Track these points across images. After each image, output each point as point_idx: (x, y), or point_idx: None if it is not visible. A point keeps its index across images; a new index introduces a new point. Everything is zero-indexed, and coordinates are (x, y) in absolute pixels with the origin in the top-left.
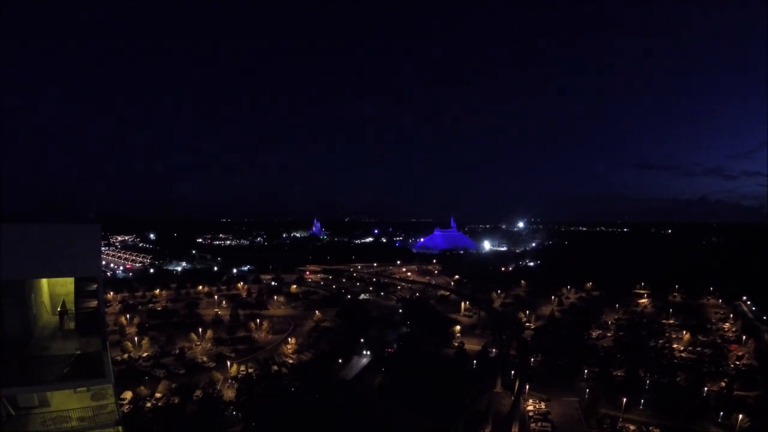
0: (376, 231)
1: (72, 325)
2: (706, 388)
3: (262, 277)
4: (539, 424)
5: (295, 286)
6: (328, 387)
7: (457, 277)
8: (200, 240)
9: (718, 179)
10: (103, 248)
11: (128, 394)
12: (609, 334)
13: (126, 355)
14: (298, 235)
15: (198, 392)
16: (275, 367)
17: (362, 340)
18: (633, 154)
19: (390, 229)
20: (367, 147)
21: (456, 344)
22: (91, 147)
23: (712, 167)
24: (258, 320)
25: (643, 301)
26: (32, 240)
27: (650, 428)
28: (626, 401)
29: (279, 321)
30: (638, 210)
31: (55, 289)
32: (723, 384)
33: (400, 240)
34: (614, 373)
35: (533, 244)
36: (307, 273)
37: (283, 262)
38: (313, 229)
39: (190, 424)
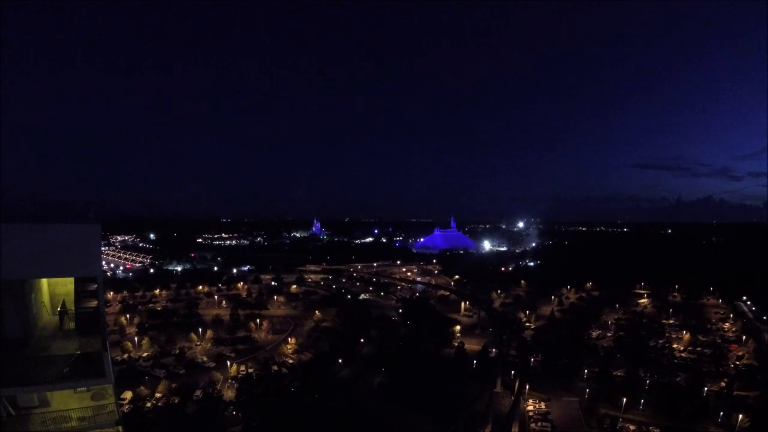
0: (376, 231)
1: (72, 325)
2: (706, 388)
3: (262, 277)
4: (539, 424)
5: (295, 286)
6: (328, 387)
7: (457, 277)
8: (200, 240)
9: (724, 180)
10: (103, 248)
11: (128, 394)
12: (609, 334)
13: (126, 355)
14: (298, 235)
15: (198, 392)
16: (275, 367)
17: (362, 340)
18: (640, 155)
19: (390, 229)
20: (367, 147)
21: (456, 344)
22: (91, 147)
23: (719, 168)
24: (258, 320)
25: (643, 301)
26: (32, 240)
27: (650, 428)
28: (626, 401)
29: (279, 321)
30: (644, 210)
31: (55, 289)
32: (723, 384)
33: (400, 240)
34: (614, 373)
35: (533, 244)
36: (307, 273)
37: (283, 262)
38: (313, 229)
39: (190, 424)
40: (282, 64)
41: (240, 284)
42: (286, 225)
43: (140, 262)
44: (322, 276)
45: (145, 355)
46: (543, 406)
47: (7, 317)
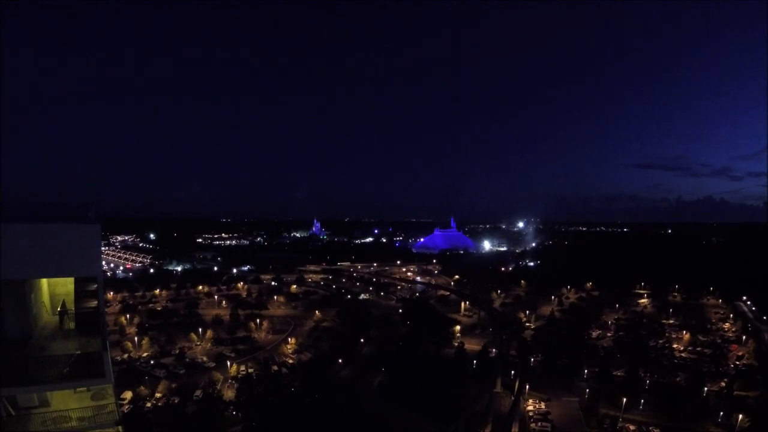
0: (376, 231)
1: (72, 325)
2: (706, 388)
3: (262, 277)
4: (539, 424)
5: (295, 286)
6: (328, 387)
7: (457, 277)
8: (200, 240)
9: (724, 180)
10: (103, 248)
11: (128, 394)
12: (609, 334)
13: (126, 355)
14: (298, 235)
15: (198, 392)
16: (275, 367)
17: (362, 340)
18: (640, 155)
19: (390, 229)
20: (367, 147)
21: (456, 344)
22: (91, 147)
23: (719, 168)
24: (258, 320)
25: (643, 301)
26: (32, 240)
27: (650, 428)
28: (626, 401)
29: (279, 321)
30: (645, 210)
31: (55, 289)
32: (723, 384)
33: (400, 240)
34: (614, 373)
35: (533, 244)
36: (307, 273)
37: (283, 262)
38: (313, 229)
39: (190, 424)
40: (282, 64)
41: (240, 284)
42: (286, 225)
43: (140, 262)
44: (322, 276)
45: (145, 355)
46: (543, 406)
47: (7, 317)
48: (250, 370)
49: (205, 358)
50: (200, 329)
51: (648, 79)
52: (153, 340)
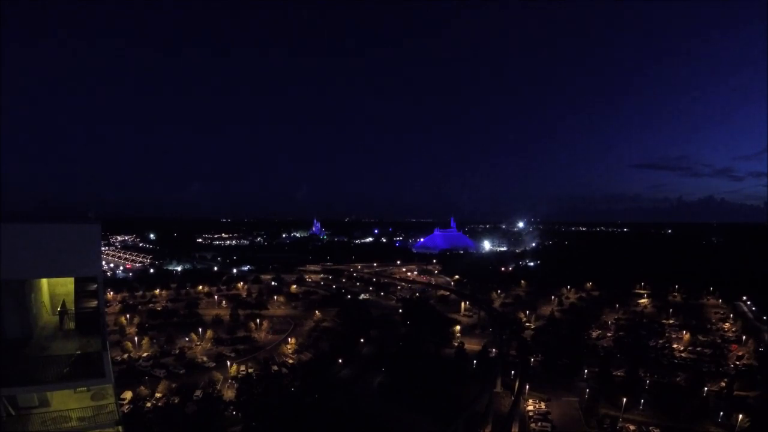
0: (376, 231)
1: (72, 325)
2: (706, 388)
3: (262, 277)
4: (539, 424)
5: (295, 286)
6: (328, 387)
7: (457, 277)
8: (200, 240)
9: (725, 180)
10: (103, 248)
11: (128, 394)
12: (609, 334)
13: (126, 355)
14: (298, 235)
15: (198, 392)
16: (275, 367)
17: (362, 340)
18: (641, 155)
19: (390, 229)
20: (368, 147)
21: (456, 344)
22: (92, 147)
23: (720, 168)
24: (258, 320)
25: (643, 301)
26: (32, 240)
27: (650, 428)
28: (626, 401)
29: (279, 321)
30: (646, 210)
31: (55, 289)
32: (723, 384)
33: (400, 240)
34: (614, 373)
35: (533, 244)
36: (307, 273)
37: (283, 262)
38: (313, 229)
39: (190, 424)
40: (282, 63)
41: (240, 284)
42: (286, 225)
43: (140, 262)
44: (322, 276)
45: (145, 355)
46: (543, 406)
47: (7, 317)
48: (250, 370)
49: (205, 358)
50: (200, 329)
51: (648, 78)
52: (153, 340)
